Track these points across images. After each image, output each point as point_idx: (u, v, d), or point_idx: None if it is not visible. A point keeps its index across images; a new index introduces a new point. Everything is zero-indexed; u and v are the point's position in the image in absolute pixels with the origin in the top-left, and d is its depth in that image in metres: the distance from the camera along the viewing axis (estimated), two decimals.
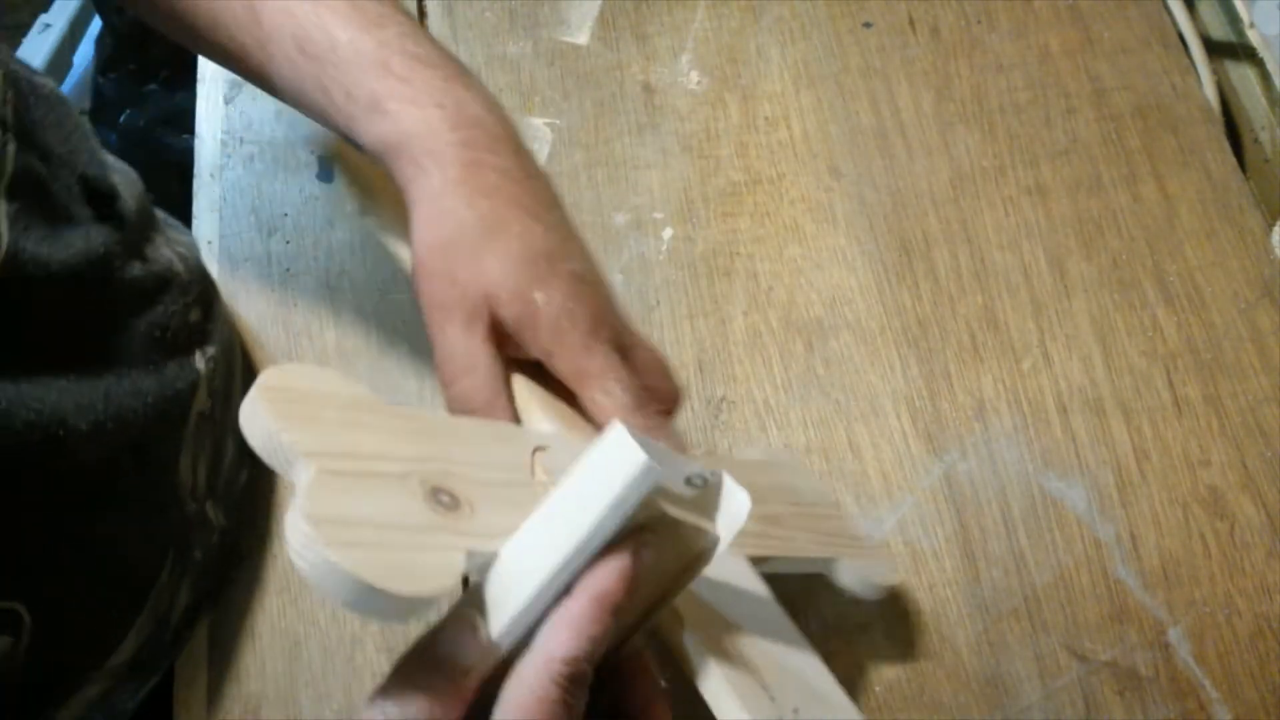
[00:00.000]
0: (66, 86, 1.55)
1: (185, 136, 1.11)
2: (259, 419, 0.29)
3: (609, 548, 0.30)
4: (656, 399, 0.41)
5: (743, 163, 0.63)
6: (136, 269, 0.44)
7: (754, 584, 0.40)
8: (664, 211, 0.62)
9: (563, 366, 0.38)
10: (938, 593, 0.52)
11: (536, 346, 0.38)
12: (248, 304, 0.60)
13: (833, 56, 0.66)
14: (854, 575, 0.47)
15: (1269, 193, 0.63)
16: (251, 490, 0.55)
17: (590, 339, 0.38)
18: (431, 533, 0.29)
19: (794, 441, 0.56)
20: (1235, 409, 0.56)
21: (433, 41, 0.42)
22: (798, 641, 0.39)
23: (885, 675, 0.51)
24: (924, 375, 0.57)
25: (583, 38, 0.67)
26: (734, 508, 0.32)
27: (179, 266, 0.49)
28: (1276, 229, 0.60)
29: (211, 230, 0.63)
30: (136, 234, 0.46)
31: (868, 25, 0.67)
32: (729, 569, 0.39)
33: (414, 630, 0.53)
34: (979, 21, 0.67)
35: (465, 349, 0.38)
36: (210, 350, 0.50)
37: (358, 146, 0.42)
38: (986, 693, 0.50)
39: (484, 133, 0.39)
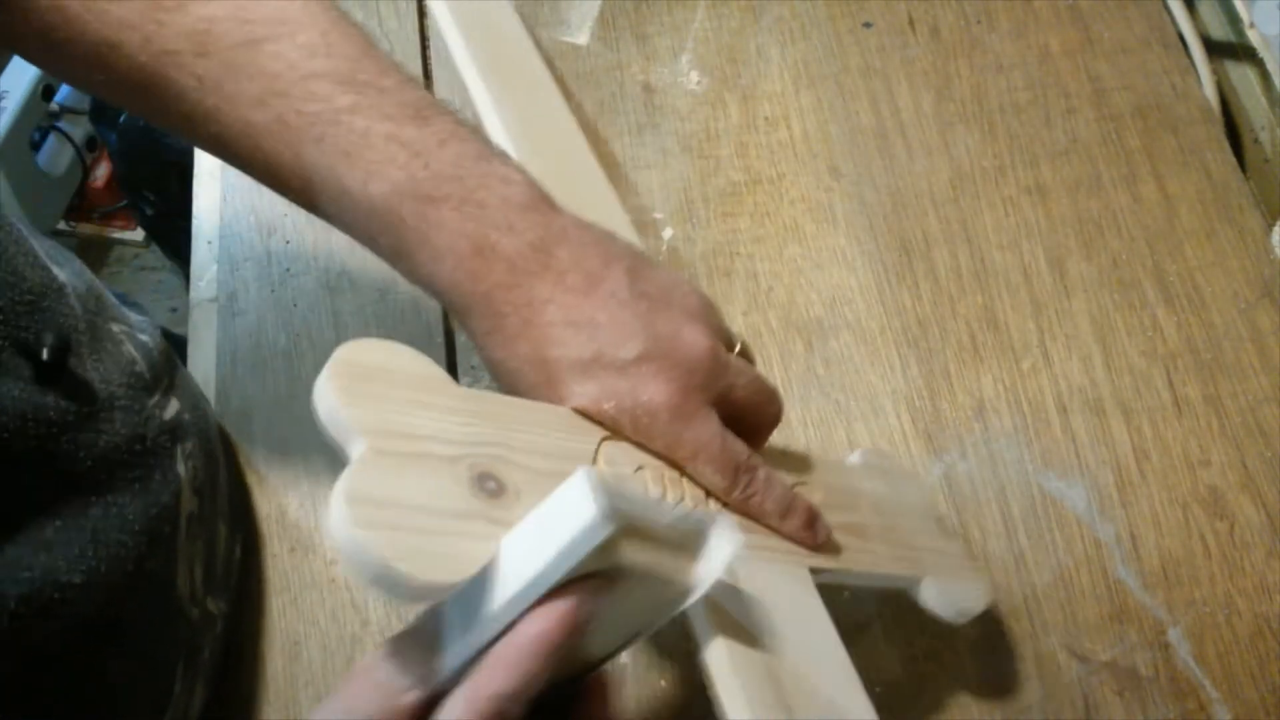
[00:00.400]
0: (67, 87, 1.56)
1: None
2: (326, 396, 0.30)
3: (559, 589, 0.29)
4: (759, 431, 0.41)
5: (743, 163, 0.63)
6: (99, 419, 0.42)
7: (807, 598, 0.39)
8: (664, 211, 0.62)
9: (659, 450, 0.38)
10: None
11: (634, 440, 0.38)
12: (248, 304, 0.60)
13: (833, 56, 0.66)
14: (937, 596, 0.45)
15: (1269, 193, 0.63)
16: (245, 564, 0.54)
17: (672, 423, 0.37)
18: (467, 520, 0.29)
19: (793, 442, 0.56)
20: (1235, 409, 0.55)
21: (439, 130, 0.38)
22: (838, 664, 0.38)
23: (885, 675, 0.51)
24: (924, 375, 0.57)
25: (583, 38, 0.67)
26: (719, 555, 0.32)
27: (141, 365, 0.47)
28: (1276, 229, 0.60)
29: (211, 230, 0.63)
30: (87, 342, 0.43)
31: (868, 25, 0.67)
32: (784, 580, 0.38)
33: None
34: (979, 21, 0.67)
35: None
36: (189, 444, 0.49)
37: None
38: (986, 693, 0.50)
39: (504, 264, 0.37)
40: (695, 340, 0.38)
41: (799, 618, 0.38)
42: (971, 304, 0.59)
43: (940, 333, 0.58)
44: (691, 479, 0.38)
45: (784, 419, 0.56)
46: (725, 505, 0.39)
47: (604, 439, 0.36)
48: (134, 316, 0.52)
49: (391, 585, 0.27)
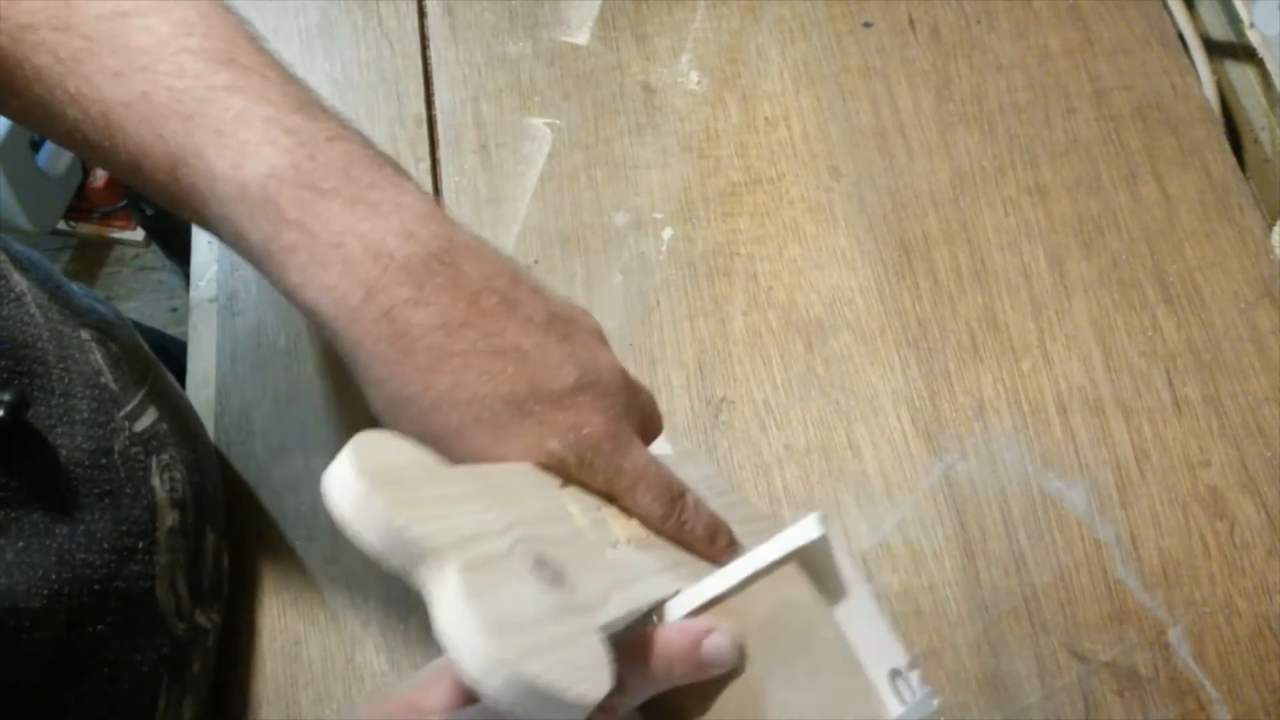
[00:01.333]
0: None
1: None
2: (376, 512, 0.25)
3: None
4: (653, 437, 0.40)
5: (743, 163, 0.63)
6: (54, 403, 0.39)
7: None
8: (664, 211, 0.62)
9: (599, 486, 0.35)
10: (938, 593, 0.52)
11: (576, 480, 0.35)
12: (248, 304, 0.60)
13: (833, 56, 0.66)
14: None
15: (1269, 193, 0.63)
16: (244, 565, 0.53)
17: (614, 455, 0.35)
18: (562, 619, 0.27)
19: (794, 441, 0.56)
20: (1235, 409, 0.55)
21: (328, 127, 0.34)
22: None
23: None
24: (924, 375, 0.57)
25: (583, 38, 0.67)
26: (922, 702, 0.31)
27: (107, 377, 0.44)
28: (1276, 229, 0.60)
29: None
30: (53, 350, 0.41)
31: (868, 25, 0.67)
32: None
33: (413, 632, 0.53)
34: (979, 21, 0.67)
35: None
36: (165, 456, 0.46)
37: None
38: (986, 693, 0.50)
39: (406, 276, 0.32)
40: (612, 363, 0.36)
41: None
42: (971, 304, 0.59)
43: (940, 333, 0.58)
44: (625, 511, 0.36)
45: (784, 419, 0.57)
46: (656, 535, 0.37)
47: (561, 486, 0.34)
48: (111, 319, 0.49)
49: (560, 713, 0.25)
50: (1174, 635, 0.51)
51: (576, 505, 0.33)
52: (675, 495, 0.36)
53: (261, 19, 0.65)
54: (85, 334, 0.45)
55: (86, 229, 1.72)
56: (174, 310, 1.68)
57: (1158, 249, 0.60)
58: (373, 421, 0.58)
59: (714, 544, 0.37)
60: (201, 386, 0.59)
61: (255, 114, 0.33)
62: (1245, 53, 0.66)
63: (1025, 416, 0.56)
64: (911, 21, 0.67)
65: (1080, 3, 0.67)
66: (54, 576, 0.37)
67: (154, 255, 1.72)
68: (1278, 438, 0.55)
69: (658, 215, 0.62)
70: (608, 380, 0.35)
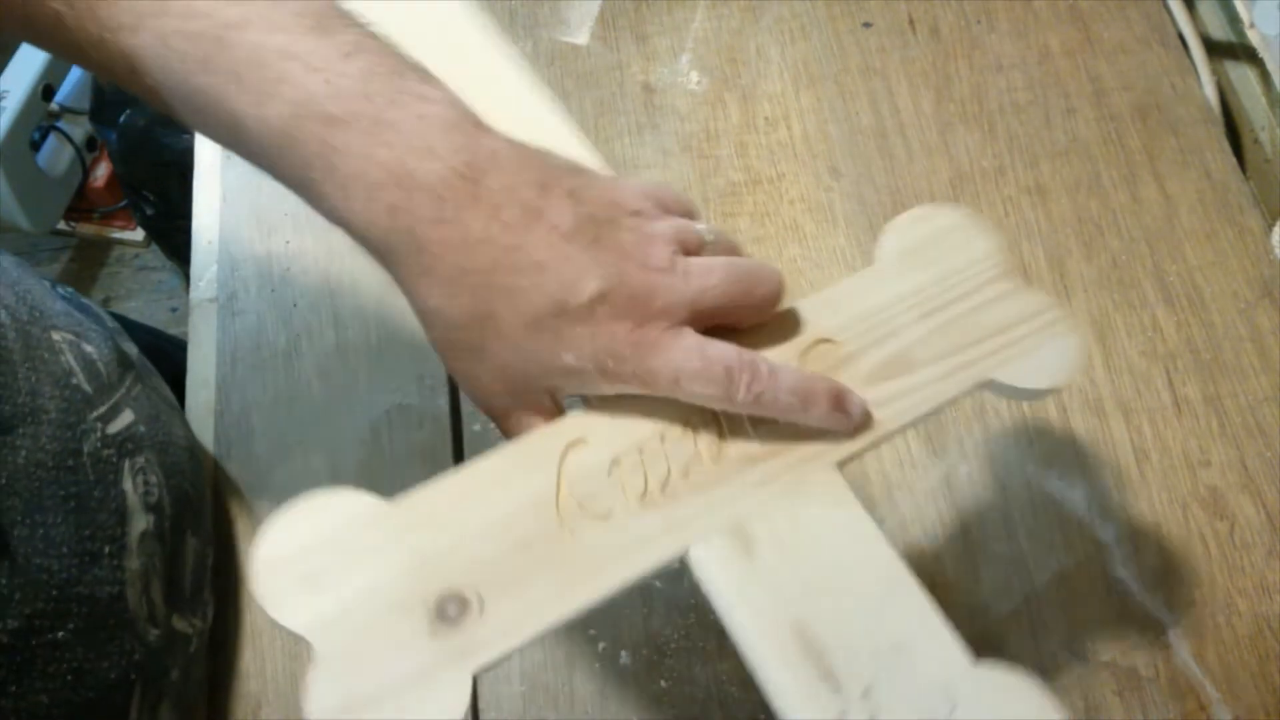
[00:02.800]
0: (67, 87, 1.56)
1: (185, 136, 1.12)
2: (280, 617, 0.31)
3: None
4: (752, 319, 0.38)
5: (743, 163, 0.63)
6: (20, 401, 0.39)
7: (843, 509, 0.34)
8: None
9: (637, 392, 0.35)
10: (938, 593, 0.52)
11: (610, 394, 0.35)
12: (248, 304, 0.60)
13: (833, 56, 0.66)
14: (1012, 389, 0.37)
15: (1269, 193, 0.63)
16: (235, 566, 0.52)
17: (640, 358, 0.34)
18: (437, 664, 0.30)
19: None
20: (1235, 409, 0.55)
21: (345, 41, 0.34)
22: (888, 581, 0.34)
23: None
24: None
25: (583, 38, 0.67)
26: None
27: (79, 378, 0.44)
28: (1276, 229, 0.60)
29: (211, 230, 0.63)
30: (19, 350, 0.41)
31: (867, 25, 0.67)
32: (814, 513, 0.34)
33: None
34: (979, 21, 0.67)
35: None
36: (140, 459, 0.46)
37: None
38: None
39: (426, 195, 0.33)
40: (647, 259, 0.34)
41: (831, 532, 0.34)
42: None
43: None
44: (687, 429, 0.35)
45: None
46: (728, 422, 0.35)
47: (568, 447, 0.34)
48: (88, 324, 0.49)
49: None
50: (1174, 635, 0.51)
51: (578, 465, 0.34)
52: (733, 370, 0.34)
53: None
54: (57, 335, 0.45)
55: (86, 229, 1.72)
56: (174, 310, 1.68)
57: (1158, 249, 0.60)
58: (364, 430, 0.58)
59: (809, 411, 0.34)
60: (201, 387, 0.59)
61: (269, 49, 0.33)
62: (1245, 53, 0.66)
63: (1025, 416, 0.56)
64: (911, 21, 0.67)
65: (1080, 3, 0.67)
66: (5, 582, 0.36)
67: (154, 255, 1.72)
68: (1278, 438, 0.55)
69: None
70: (639, 281, 0.34)
